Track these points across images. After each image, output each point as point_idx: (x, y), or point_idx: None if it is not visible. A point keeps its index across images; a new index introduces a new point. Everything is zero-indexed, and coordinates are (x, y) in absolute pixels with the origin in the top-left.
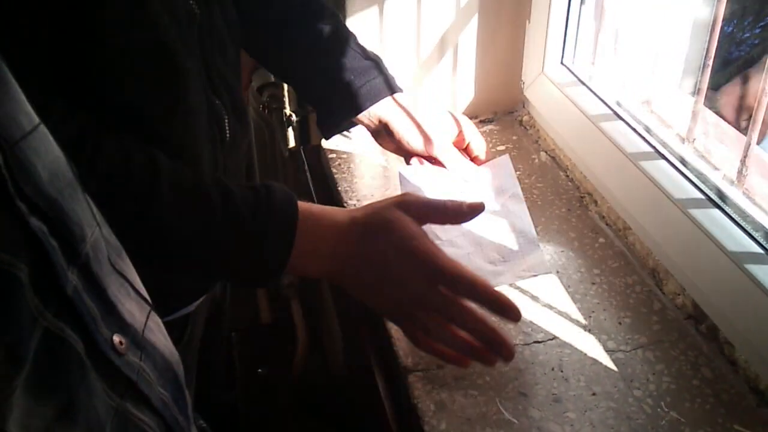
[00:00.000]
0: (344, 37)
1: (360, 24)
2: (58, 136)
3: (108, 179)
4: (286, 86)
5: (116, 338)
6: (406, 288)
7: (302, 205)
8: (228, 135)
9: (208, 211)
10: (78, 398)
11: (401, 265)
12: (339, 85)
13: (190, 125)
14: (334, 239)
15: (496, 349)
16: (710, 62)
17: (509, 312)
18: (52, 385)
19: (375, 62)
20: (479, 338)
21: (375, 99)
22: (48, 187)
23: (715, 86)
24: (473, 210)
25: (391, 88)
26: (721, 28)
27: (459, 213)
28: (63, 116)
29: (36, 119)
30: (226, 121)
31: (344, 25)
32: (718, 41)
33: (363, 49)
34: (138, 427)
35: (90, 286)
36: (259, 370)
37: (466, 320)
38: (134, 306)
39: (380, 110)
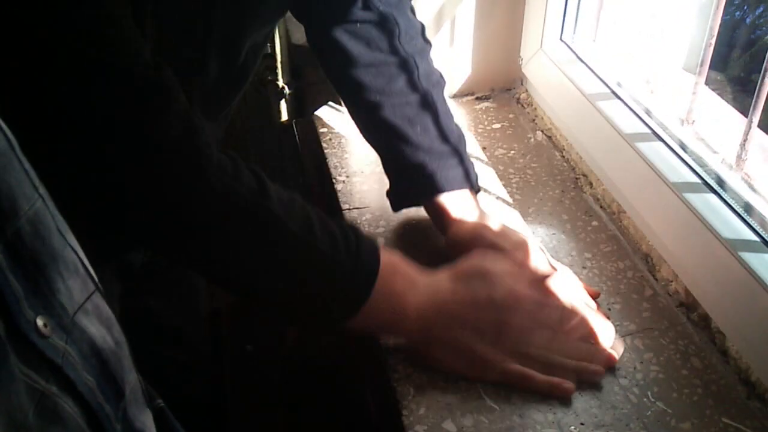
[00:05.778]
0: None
1: None
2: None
3: (222, 170)
4: (279, 57)
5: (39, 320)
6: (520, 307)
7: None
8: (206, 75)
9: (309, 218)
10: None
11: (506, 290)
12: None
13: (158, 36)
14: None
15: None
16: (713, 41)
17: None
18: None
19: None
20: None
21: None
22: None
23: (725, 71)
24: None
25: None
26: (732, 12)
27: None
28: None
29: None
30: (208, 63)
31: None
32: (733, 27)
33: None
34: (65, 412)
35: (18, 264)
36: (248, 347)
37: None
38: (78, 284)
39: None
